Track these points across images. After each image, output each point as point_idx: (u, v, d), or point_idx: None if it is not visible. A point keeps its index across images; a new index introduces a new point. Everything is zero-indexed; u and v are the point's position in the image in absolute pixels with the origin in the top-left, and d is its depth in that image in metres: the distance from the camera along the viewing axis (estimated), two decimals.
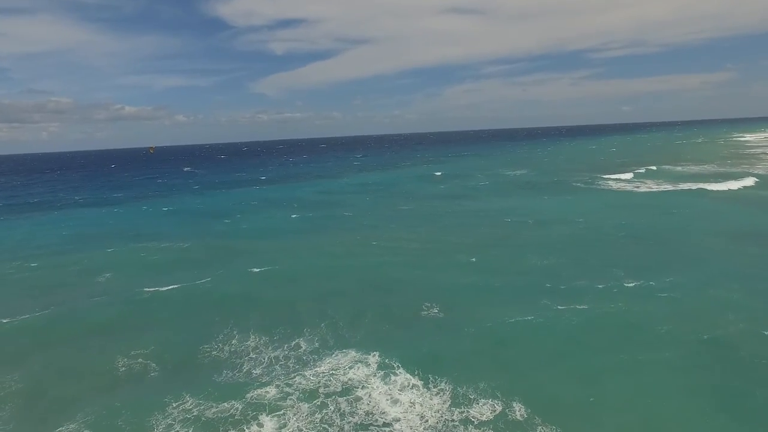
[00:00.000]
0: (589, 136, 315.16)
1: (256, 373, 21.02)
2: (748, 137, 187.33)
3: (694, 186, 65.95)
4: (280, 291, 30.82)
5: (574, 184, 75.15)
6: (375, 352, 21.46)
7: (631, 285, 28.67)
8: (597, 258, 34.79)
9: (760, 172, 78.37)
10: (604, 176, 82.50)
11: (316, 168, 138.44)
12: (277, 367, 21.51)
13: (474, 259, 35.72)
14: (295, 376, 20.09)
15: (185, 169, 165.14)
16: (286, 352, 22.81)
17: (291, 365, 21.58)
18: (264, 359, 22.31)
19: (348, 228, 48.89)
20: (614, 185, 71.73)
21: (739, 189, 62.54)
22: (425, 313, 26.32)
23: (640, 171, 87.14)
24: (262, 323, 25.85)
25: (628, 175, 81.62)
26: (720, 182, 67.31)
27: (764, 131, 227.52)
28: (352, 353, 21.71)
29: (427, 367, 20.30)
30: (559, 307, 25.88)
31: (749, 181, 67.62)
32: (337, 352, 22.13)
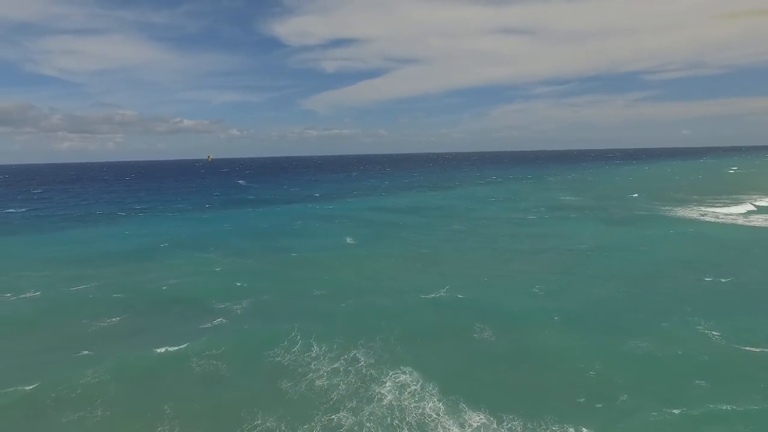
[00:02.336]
0: (645, 160, 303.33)
1: (320, 385, 21.68)
2: None
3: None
4: (338, 306, 31.50)
5: (632, 211, 72.45)
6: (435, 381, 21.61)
7: (697, 324, 27.41)
8: (660, 294, 33.46)
9: None
10: (665, 205, 79.11)
11: (367, 185, 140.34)
12: (339, 381, 22.04)
13: (536, 289, 35.16)
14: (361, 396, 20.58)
15: (240, 182, 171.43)
16: (345, 365, 23.40)
17: (352, 380, 22.11)
18: (325, 369, 23.03)
19: (404, 248, 49.28)
20: (678, 214, 68.68)
21: None
22: (479, 336, 26.21)
23: (707, 199, 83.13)
24: (324, 335, 26.57)
25: (694, 205, 78.01)
26: None
27: None
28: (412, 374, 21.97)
29: (492, 398, 20.28)
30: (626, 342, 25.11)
31: None
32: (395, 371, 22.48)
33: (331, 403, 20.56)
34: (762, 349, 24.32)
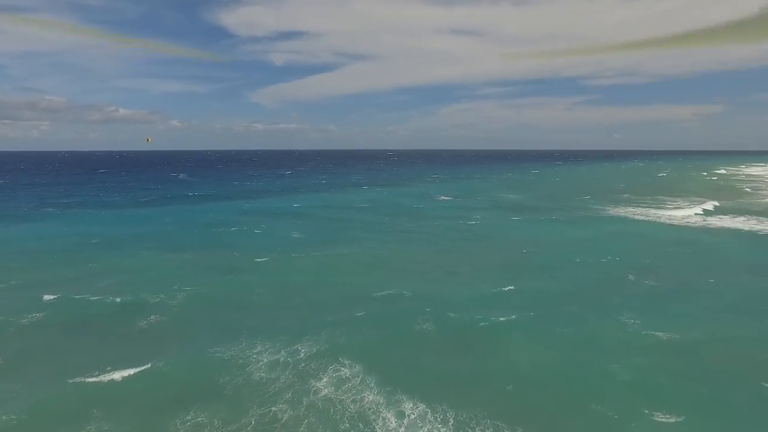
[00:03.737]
0: (582, 162, 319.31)
1: (258, 378, 21.49)
2: (723, 171, 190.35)
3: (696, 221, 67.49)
4: (283, 304, 31.21)
5: (572, 210, 76.19)
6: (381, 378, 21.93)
7: (621, 315, 29.36)
8: (592, 288, 35.52)
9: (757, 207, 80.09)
10: (602, 205, 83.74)
11: (314, 182, 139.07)
12: (278, 375, 21.91)
13: (480, 285, 36.25)
14: (303, 388, 20.57)
15: (180, 175, 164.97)
16: (286, 359, 23.29)
17: (291, 374, 22.08)
18: (265, 363, 22.84)
19: (351, 245, 49.34)
20: (613, 213, 72.83)
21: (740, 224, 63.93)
22: (421, 329, 26.79)
23: (634, 199, 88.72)
24: (266, 329, 26.23)
25: (625, 205, 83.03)
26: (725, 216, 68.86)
27: (746, 166, 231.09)
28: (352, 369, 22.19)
29: (430, 389, 20.83)
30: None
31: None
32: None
33: (268, 395, 20.39)
34: (671, 334, 26.33)
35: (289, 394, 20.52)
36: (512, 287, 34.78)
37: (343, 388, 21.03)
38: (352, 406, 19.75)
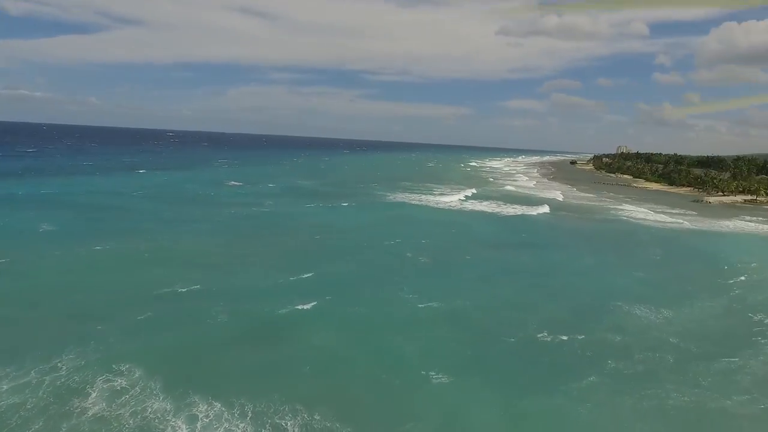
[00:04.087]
0: (367, 151, 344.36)
1: None
2: (476, 164, 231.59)
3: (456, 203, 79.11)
4: (30, 309, 25.48)
5: (358, 197, 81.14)
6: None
7: (401, 290, 32.91)
8: (380, 268, 38.76)
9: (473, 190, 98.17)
10: (384, 191, 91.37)
11: (72, 163, 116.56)
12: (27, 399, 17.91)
13: (275, 270, 35.64)
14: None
15: None
16: (39, 378, 19.30)
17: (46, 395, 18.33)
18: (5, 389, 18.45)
19: (125, 237, 42.93)
20: (392, 199, 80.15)
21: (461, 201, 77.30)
22: (214, 322, 25.32)
23: (410, 186, 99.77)
24: (8, 348, 21.07)
25: (403, 191, 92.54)
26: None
27: (490, 160, 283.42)
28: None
29: (225, 385, 19.78)
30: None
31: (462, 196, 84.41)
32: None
33: (9, 429, 16.34)
34: (440, 304, 30.59)
35: (41, 422, 16.79)
36: (310, 274, 35.24)
37: (119, 402, 18.28)
38: (131, 421, 17.31)
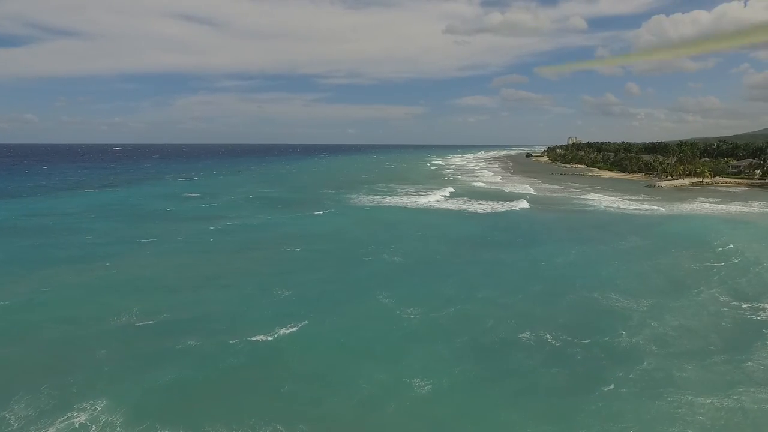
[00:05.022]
0: (323, 154, 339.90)
1: None
2: (440, 162, 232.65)
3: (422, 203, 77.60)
4: None
5: (323, 202, 78.12)
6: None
7: (378, 295, 30.78)
8: (356, 273, 36.46)
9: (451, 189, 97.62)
10: (345, 194, 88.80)
11: (10, 185, 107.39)
12: None
13: (243, 289, 32.60)
14: None
15: None
16: None
17: None
18: None
19: (73, 261, 38.61)
20: (355, 202, 77.73)
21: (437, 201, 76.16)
22: (182, 348, 22.34)
23: (376, 188, 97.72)
24: None
25: (367, 193, 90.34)
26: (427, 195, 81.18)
27: (451, 157, 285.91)
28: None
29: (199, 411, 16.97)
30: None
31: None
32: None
33: None
34: (420, 309, 28.87)
35: None
36: (288, 292, 32.34)
37: None
38: None
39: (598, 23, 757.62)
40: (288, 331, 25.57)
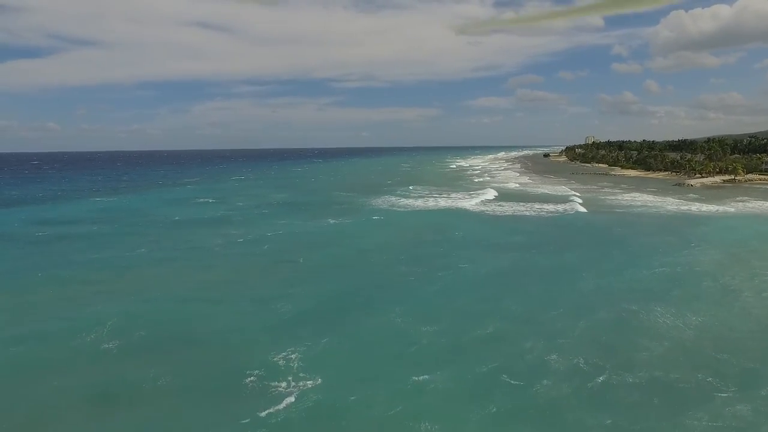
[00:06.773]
0: (339, 158, 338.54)
1: None
2: (462, 162, 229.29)
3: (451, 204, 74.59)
4: None
5: (336, 204, 75.63)
6: None
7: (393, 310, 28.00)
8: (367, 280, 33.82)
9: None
10: (362, 198, 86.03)
11: (29, 192, 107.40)
12: None
13: (250, 300, 30.18)
14: None
15: None
16: None
17: None
18: None
19: (80, 267, 36.84)
20: (372, 205, 74.95)
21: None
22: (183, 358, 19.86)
23: (394, 190, 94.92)
24: None
25: (384, 196, 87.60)
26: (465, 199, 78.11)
27: (473, 158, 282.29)
28: None
29: None
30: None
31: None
32: None
33: None
34: (435, 328, 26.11)
35: None
36: (300, 306, 29.72)
37: None
38: None
39: (615, 21, 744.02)
40: (294, 351, 23.01)
